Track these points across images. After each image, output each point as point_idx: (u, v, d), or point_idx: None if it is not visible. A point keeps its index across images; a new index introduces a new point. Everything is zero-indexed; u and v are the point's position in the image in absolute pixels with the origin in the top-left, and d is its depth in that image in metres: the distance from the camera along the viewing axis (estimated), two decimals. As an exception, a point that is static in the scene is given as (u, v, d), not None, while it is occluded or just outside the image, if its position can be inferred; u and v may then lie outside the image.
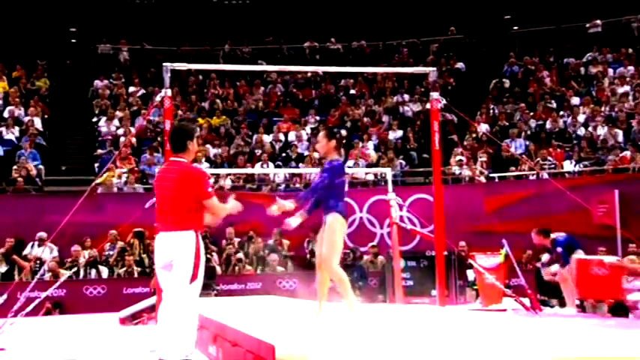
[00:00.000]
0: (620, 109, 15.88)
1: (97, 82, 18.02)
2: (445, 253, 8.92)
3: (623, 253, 11.70)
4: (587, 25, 19.49)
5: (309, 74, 19.14)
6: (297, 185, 15.26)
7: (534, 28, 20.00)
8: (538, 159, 14.60)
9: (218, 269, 12.94)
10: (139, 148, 15.83)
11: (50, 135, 16.44)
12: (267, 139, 16.59)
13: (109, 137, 15.77)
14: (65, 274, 11.56)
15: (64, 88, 18.27)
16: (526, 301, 9.09)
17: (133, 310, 10.10)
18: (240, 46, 19.95)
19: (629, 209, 13.05)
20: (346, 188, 6.54)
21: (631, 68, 17.51)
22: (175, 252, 5.07)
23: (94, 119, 16.87)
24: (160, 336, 5.13)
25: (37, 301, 8.95)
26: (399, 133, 16.97)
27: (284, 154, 16.23)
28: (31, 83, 17.60)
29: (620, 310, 8.88)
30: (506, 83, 18.49)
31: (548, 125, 16.29)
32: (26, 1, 19.62)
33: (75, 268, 12.38)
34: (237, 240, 13.84)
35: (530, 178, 14.79)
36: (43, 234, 12.42)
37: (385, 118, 17.57)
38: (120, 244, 13.01)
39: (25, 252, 12.83)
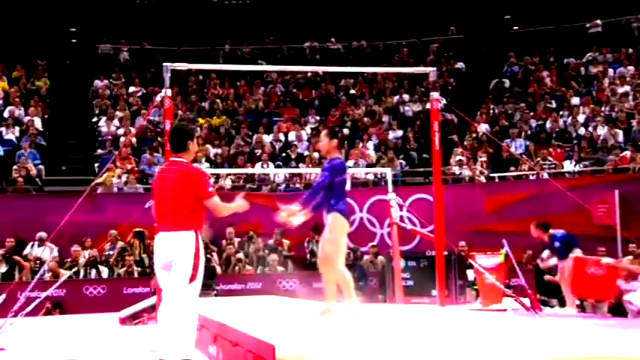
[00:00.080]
0: (620, 109, 15.86)
1: (97, 82, 18.01)
2: (445, 253, 8.93)
3: (623, 253, 11.70)
4: (587, 25, 19.51)
5: (309, 74, 19.13)
6: (297, 185, 15.26)
7: (534, 28, 20.00)
8: (538, 159, 14.59)
9: (218, 269, 12.95)
10: (139, 148, 15.83)
11: (50, 135, 16.43)
12: (267, 139, 16.58)
13: (109, 137, 15.77)
14: (65, 274, 11.57)
15: (64, 88, 18.25)
16: (526, 301, 9.08)
17: (133, 310, 10.09)
18: (240, 46, 19.95)
19: (629, 209, 13.02)
20: (348, 187, 6.50)
21: (631, 68, 17.50)
22: (175, 252, 5.08)
23: (94, 119, 16.87)
24: (159, 336, 5.15)
25: (37, 301, 8.93)
26: (399, 133, 16.96)
27: (284, 154, 16.21)
28: (31, 83, 17.59)
29: (620, 310, 8.89)
30: (507, 83, 18.49)
31: (548, 125, 16.28)
32: (26, 1, 19.62)
33: (75, 268, 12.39)
34: (237, 240, 13.85)
35: (531, 178, 14.77)
36: (43, 234, 12.44)
37: (385, 118, 17.56)
38: (120, 244, 13.02)
39: (25, 252, 12.84)
